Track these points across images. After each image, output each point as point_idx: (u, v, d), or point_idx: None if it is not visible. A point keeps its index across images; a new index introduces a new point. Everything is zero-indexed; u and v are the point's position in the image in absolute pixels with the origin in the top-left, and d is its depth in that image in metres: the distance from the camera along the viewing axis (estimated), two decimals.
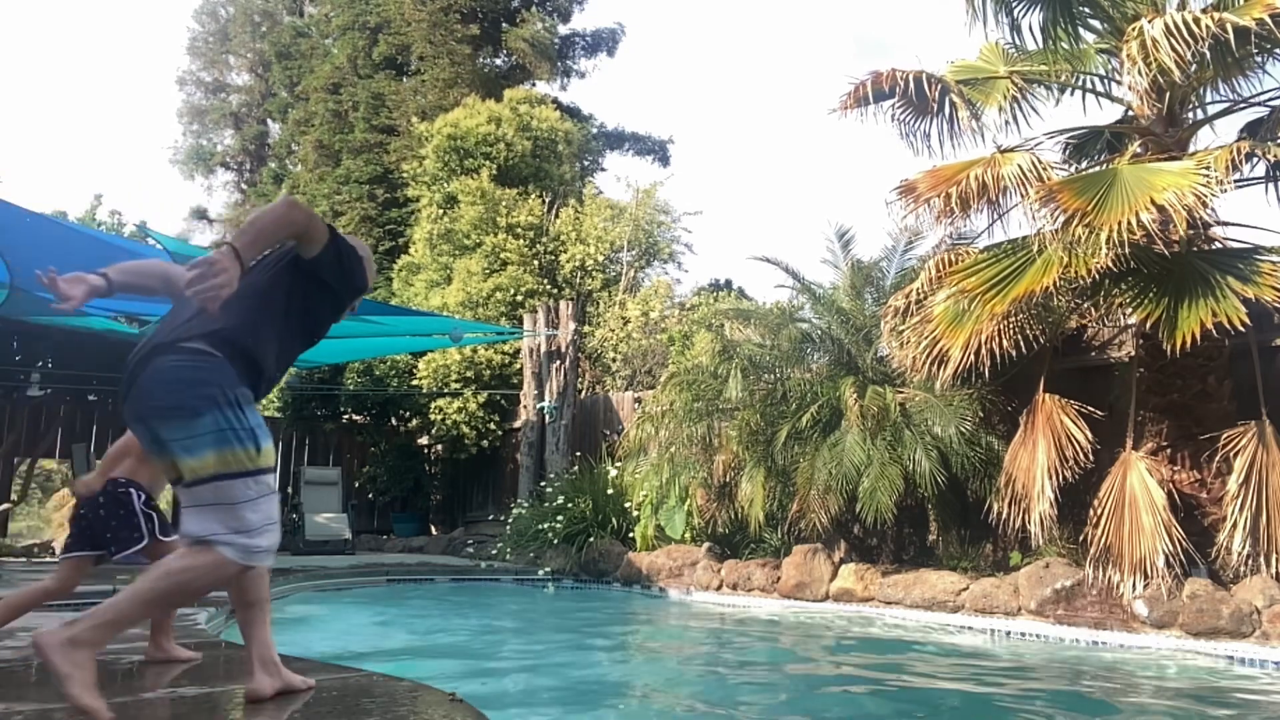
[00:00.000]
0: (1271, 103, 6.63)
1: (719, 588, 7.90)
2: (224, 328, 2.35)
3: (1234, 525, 5.52)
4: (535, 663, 5.00)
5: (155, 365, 2.33)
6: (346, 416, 14.32)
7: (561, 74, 20.75)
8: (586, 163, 20.41)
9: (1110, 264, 5.57)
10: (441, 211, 15.34)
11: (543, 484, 11.10)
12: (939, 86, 6.80)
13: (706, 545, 8.38)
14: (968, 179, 6.19)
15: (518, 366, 12.85)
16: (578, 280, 14.88)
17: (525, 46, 18.61)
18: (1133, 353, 6.67)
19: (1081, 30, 6.84)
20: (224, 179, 27.77)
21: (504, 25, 19.19)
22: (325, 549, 11.35)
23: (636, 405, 10.77)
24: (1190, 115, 6.69)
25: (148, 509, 3.33)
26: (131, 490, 3.33)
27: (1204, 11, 5.64)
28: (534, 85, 19.24)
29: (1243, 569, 5.57)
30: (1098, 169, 6.53)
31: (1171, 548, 5.48)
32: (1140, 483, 5.80)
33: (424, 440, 14.25)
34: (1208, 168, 5.50)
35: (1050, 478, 6.01)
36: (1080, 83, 7.15)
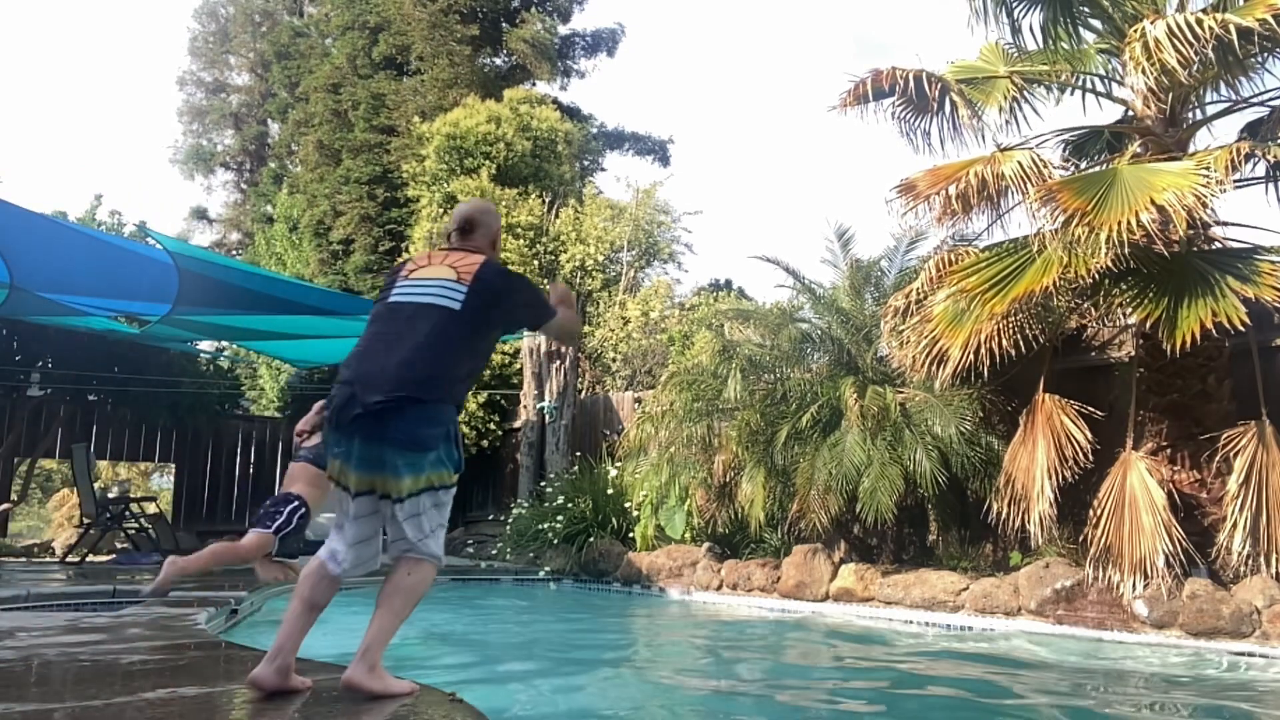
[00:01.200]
0: (1271, 103, 6.63)
1: (719, 588, 7.90)
2: (453, 391, 2.80)
3: (1234, 525, 5.52)
4: (535, 663, 5.00)
5: (406, 409, 2.66)
6: None
7: (561, 74, 20.71)
8: (586, 163, 20.39)
9: (1110, 264, 5.57)
10: (442, 211, 15.33)
11: (543, 484, 11.10)
12: (939, 85, 6.79)
13: (706, 545, 8.37)
14: (968, 176, 6.19)
15: (517, 366, 12.84)
16: (578, 280, 14.87)
17: (525, 47, 18.58)
18: (1133, 353, 6.66)
19: (1082, 30, 6.84)
20: (224, 179, 27.75)
21: (504, 25, 19.17)
22: None
23: (636, 405, 10.76)
24: (1190, 115, 6.69)
25: (300, 520, 3.96)
26: (297, 501, 3.96)
27: (1205, 12, 5.64)
28: (534, 85, 19.21)
29: (1243, 569, 5.57)
30: (1098, 169, 6.53)
31: (1171, 548, 5.48)
32: (1140, 483, 5.80)
33: None
34: (1208, 168, 5.50)
35: (1050, 478, 6.01)
36: (1080, 83, 7.14)
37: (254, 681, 2.57)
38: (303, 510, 3.81)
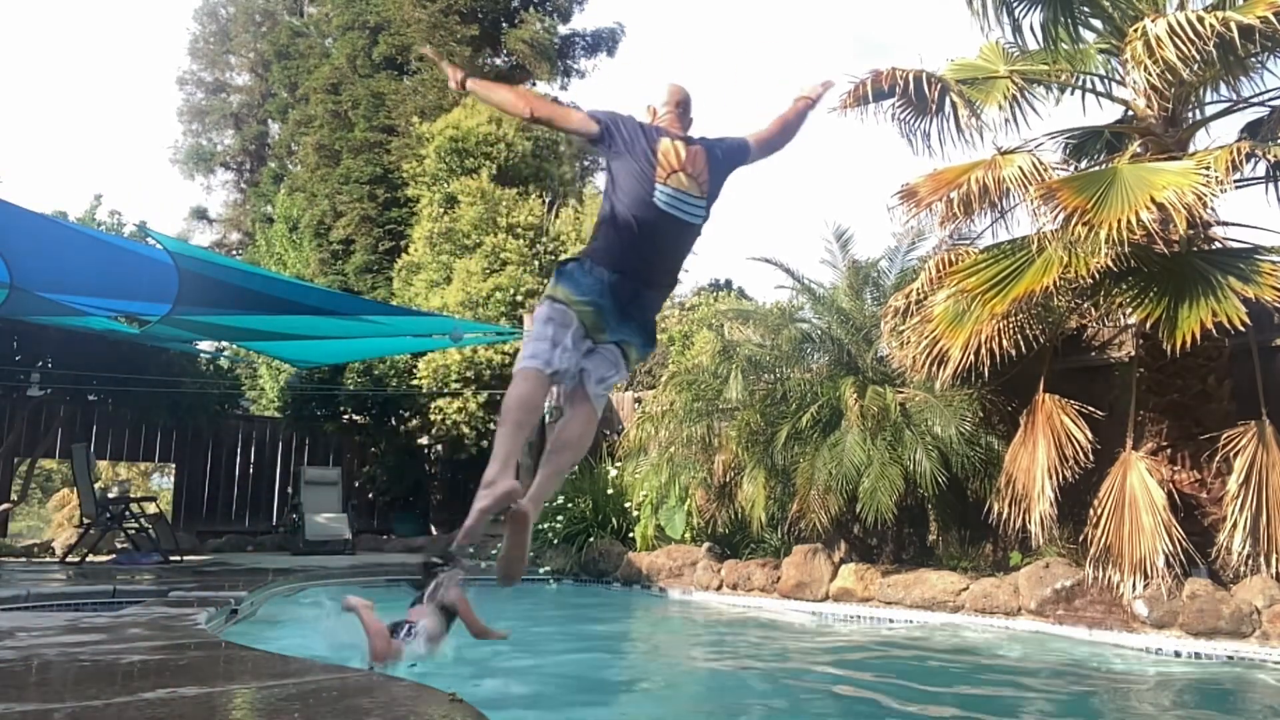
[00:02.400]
0: (1271, 103, 6.63)
1: (719, 588, 7.90)
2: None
3: (1234, 525, 5.52)
4: (535, 663, 5.00)
5: (653, 299, 3.34)
6: (346, 416, 14.31)
7: (561, 74, 20.68)
8: (587, 163, 20.37)
9: (1110, 263, 5.57)
10: (442, 211, 15.33)
11: None
12: (939, 86, 6.78)
13: (706, 545, 8.37)
14: (969, 182, 6.18)
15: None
16: None
17: (525, 47, 18.56)
18: (1133, 353, 6.66)
19: (1082, 30, 6.83)
20: (224, 179, 27.71)
21: (504, 26, 19.16)
22: (325, 549, 11.35)
23: (636, 405, 10.76)
24: (1190, 115, 6.69)
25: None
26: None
27: (1207, 10, 5.63)
28: (534, 85, 19.20)
29: (1243, 569, 5.57)
30: (1098, 168, 6.53)
31: (1171, 548, 5.48)
32: (1140, 483, 5.79)
33: (424, 440, 14.22)
34: (1208, 167, 5.50)
35: (1050, 478, 6.01)
36: (1080, 82, 7.14)
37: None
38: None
